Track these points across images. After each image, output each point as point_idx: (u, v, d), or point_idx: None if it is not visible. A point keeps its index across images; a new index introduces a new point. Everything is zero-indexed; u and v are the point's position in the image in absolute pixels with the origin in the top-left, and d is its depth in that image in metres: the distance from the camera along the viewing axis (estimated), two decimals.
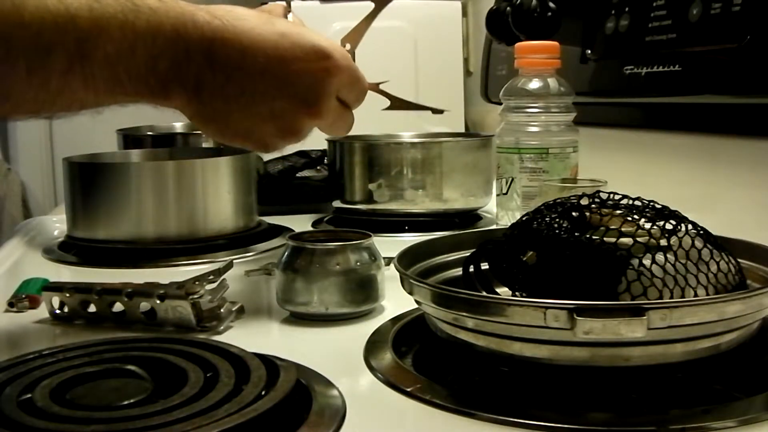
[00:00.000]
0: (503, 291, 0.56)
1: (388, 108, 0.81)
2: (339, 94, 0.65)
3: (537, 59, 0.91)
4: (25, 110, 0.58)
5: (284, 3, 0.69)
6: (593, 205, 0.57)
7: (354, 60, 0.76)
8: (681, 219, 0.55)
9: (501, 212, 0.94)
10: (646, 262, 0.50)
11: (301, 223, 1.09)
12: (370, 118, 0.83)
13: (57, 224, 1.12)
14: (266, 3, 1.40)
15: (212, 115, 0.62)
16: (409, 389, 0.50)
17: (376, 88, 0.77)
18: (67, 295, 0.68)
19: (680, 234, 0.53)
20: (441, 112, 0.91)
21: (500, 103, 0.95)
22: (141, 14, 0.56)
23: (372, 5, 0.77)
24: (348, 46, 0.76)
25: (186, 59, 0.58)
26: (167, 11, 0.57)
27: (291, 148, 1.18)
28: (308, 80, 0.61)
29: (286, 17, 0.68)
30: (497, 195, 0.95)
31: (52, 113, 0.65)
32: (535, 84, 0.91)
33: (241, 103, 0.61)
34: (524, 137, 0.91)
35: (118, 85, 0.57)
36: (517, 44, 0.94)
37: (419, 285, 0.54)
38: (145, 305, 0.66)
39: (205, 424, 0.41)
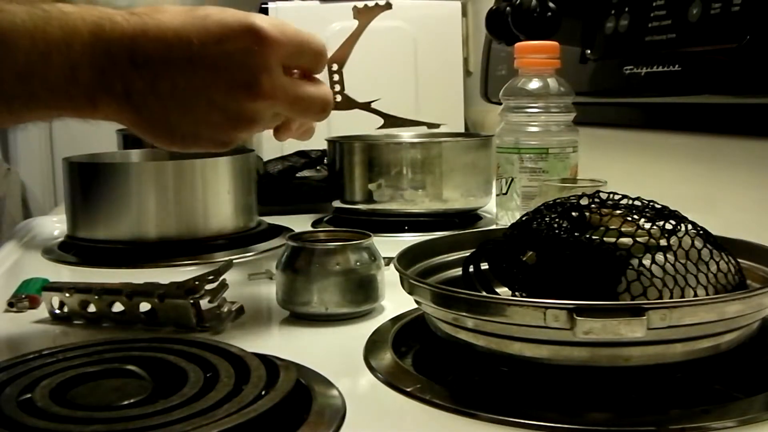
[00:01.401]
0: (503, 291, 0.56)
1: (382, 127, 0.79)
2: (289, 66, 0.58)
3: (537, 59, 0.91)
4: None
5: None
6: (593, 205, 0.57)
7: (342, 79, 0.74)
8: (681, 219, 0.55)
9: (501, 212, 0.94)
10: (646, 262, 0.50)
11: (301, 223, 1.09)
12: (370, 119, 0.83)
13: (57, 224, 1.12)
14: (267, 4, 1.40)
15: (150, 119, 0.56)
16: (409, 389, 0.50)
17: (367, 107, 0.75)
18: (67, 295, 0.68)
19: (680, 234, 0.53)
20: (437, 126, 0.91)
21: (500, 103, 0.95)
22: (52, 20, 0.51)
23: (356, 23, 0.75)
24: (335, 66, 0.73)
25: (109, 63, 0.53)
26: (82, 15, 0.52)
27: (291, 148, 1.19)
28: (239, 59, 0.55)
29: None
30: (497, 195, 0.95)
31: None
32: (534, 84, 0.91)
33: (176, 99, 0.55)
34: (524, 137, 0.91)
35: (34, 99, 0.52)
36: (517, 44, 0.94)
37: (419, 285, 0.54)
38: (145, 305, 0.66)
39: (205, 424, 0.41)
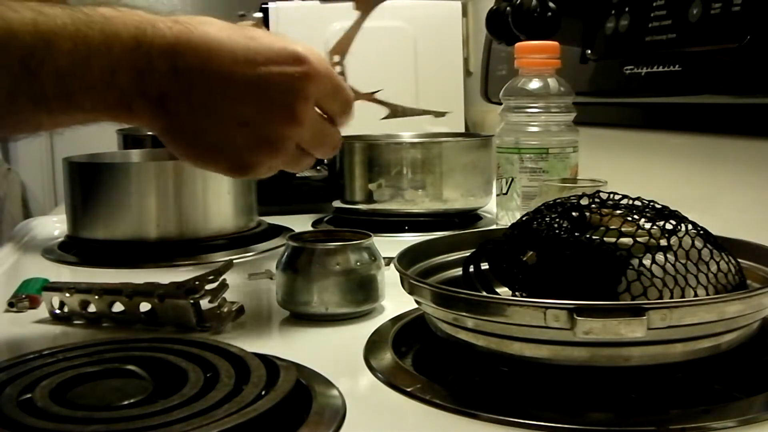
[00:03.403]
0: (503, 291, 0.56)
1: (387, 117, 0.79)
2: (320, 104, 0.59)
3: (537, 59, 0.91)
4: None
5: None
6: (593, 205, 0.57)
7: (344, 72, 0.74)
8: (681, 219, 0.55)
9: (501, 212, 0.94)
10: (646, 262, 0.50)
11: (301, 223, 1.09)
12: (370, 119, 0.83)
13: (57, 224, 1.12)
14: (267, 4, 1.40)
15: (179, 126, 0.56)
16: (409, 389, 0.50)
17: (370, 97, 0.75)
18: (67, 295, 0.68)
19: (680, 234, 0.53)
20: (443, 114, 0.91)
21: (500, 103, 0.95)
22: (94, 24, 0.51)
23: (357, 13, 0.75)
24: (336, 58, 0.73)
25: (149, 68, 0.53)
26: (124, 20, 0.52)
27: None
28: (281, 83, 0.56)
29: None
30: (497, 195, 0.95)
31: (4, 135, 0.63)
32: (535, 84, 0.91)
33: (208, 109, 0.55)
34: (524, 137, 0.91)
35: (73, 103, 0.53)
36: (517, 44, 0.94)
37: (419, 285, 0.54)
38: (145, 305, 0.66)
39: (205, 424, 0.41)
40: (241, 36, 0.56)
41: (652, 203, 0.57)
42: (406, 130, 1.20)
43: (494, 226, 0.99)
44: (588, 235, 0.52)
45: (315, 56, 0.57)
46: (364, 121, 0.92)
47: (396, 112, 0.78)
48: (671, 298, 0.49)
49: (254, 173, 0.60)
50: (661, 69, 0.86)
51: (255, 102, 0.56)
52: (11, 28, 0.49)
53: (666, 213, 0.55)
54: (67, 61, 0.51)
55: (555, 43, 0.92)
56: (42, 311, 0.70)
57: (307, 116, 0.57)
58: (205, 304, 0.65)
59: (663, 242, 0.52)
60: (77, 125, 0.56)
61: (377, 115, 0.81)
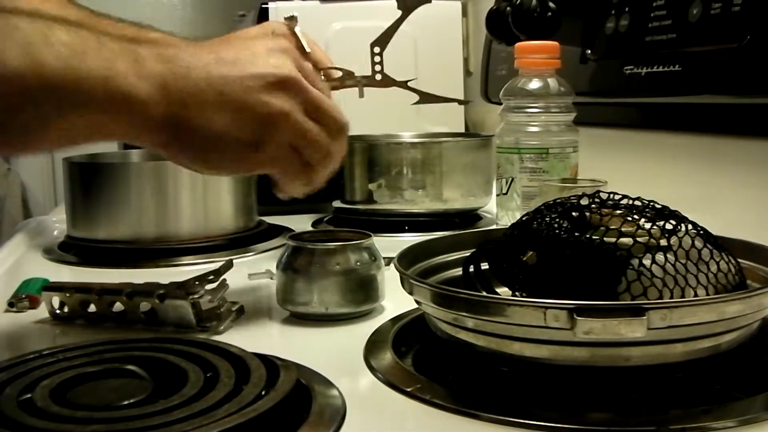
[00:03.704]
0: (503, 291, 0.56)
1: (417, 102, 0.83)
2: (310, 118, 0.61)
3: (537, 59, 0.91)
4: (37, 150, 0.57)
5: (287, 23, 0.69)
6: (593, 205, 0.57)
7: (382, 60, 0.77)
8: (681, 219, 0.55)
9: (501, 212, 0.94)
10: (646, 262, 0.50)
11: (301, 223, 1.09)
12: (371, 118, 0.83)
13: (57, 224, 1.12)
14: (267, 4, 1.40)
15: (188, 149, 0.59)
16: (409, 389, 0.50)
17: (404, 85, 0.79)
18: (67, 295, 0.68)
19: (680, 234, 0.53)
20: (467, 102, 1.02)
21: (500, 103, 0.95)
22: (89, 27, 0.53)
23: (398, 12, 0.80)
24: (377, 49, 0.78)
25: (141, 59, 0.55)
26: (122, 28, 0.56)
27: None
28: (259, 103, 0.58)
29: (293, 34, 0.68)
30: (497, 195, 0.95)
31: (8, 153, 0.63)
32: (535, 84, 0.91)
33: (208, 137, 0.58)
34: (524, 137, 0.91)
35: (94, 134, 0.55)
36: (517, 44, 0.94)
37: (419, 285, 0.54)
38: (145, 305, 0.66)
39: (205, 424, 0.41)
40: (219, 62, 0.57)
41: (652, 203, 0.57)
42: (407, 129, 1.20)
43: (494, 226, 0.99)
44: (588, 235, 0.52)
45: (291, 72, 0.59)
46: (396, 106, 0.94)
47: (424, 98, 0.82)
48: (671, 298, 0.49)
49: (256, 165, 0.61)
50: (661, 69, 0.86)
51: (260, 52, 0.59)
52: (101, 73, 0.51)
53: (666, 213, 0.55)
54: (68, 46, 0.51)
55: (555, 43, 0.92)
56: (42, 311, 0.70)
57: (302, 89, 0.59)
58: (205, 304, 0.65)
59: (663, 242, 0.52)
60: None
61: (409, 101, 0.83)
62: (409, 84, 0.80)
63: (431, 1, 0.80)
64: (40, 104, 0.51)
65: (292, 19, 0.69)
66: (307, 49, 0.68)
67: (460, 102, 0.93)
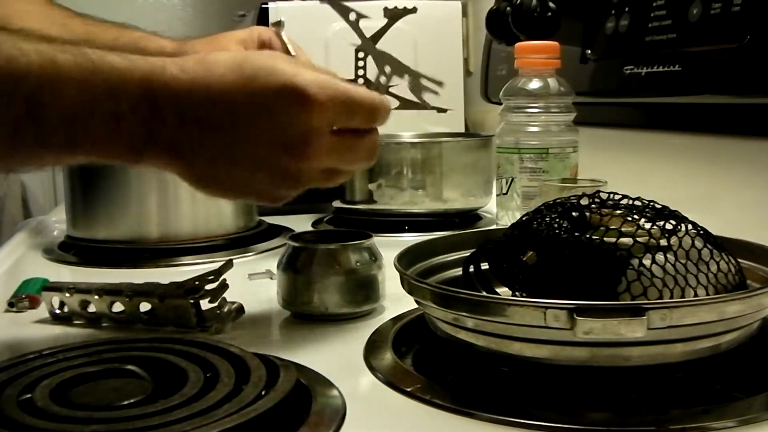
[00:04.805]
0: (503, 291, 0.56)
1: (397, 108, 0.82)
2: (339, 125, 0.58)
3: (537, 59, 0.91)
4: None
5: (274, 29, 0.69)
6: (593, 205, 0.57)
7: (366, 65, 0.76)
8: (681, 219, 0.55)
9: (501, 212, 0.94)
10: (646, 262, 0.50)
11: (301, 223, 1.09)
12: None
13: (57, 224, 1.12)
14: (267, 4, 1.40)
15: (200, 173, 0.58)
16: (409, 389, 0.50)
17: (386, 90, 0.80)
18: (67, 295, 0.68)
19: (680, 234, 0.53)
20: (445, 111, 0.93)
21: (500, 103, 0.95)
22: (99, 73, 0.52)
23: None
24: (362, 54, 0.78)
25: (156, 118, 0.53)
26: (132, 70, 0.53)
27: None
28: (284, 120, 0.55)
29: (280, 39, 0.67)
30: (497, 195, 0.95)
31: (8, 168, 0.64)
32: (535, 84, 0.91)
33: (223, 156, 0.56)
34: (524, 137, 0.91)
35: (75, 147, 0.53)
36: (517, 44, 0.94)
37: (419, 285, 0.54)
38: (145, 305, 0.66)
39: (205, 424, 0.41)
40: (241, 77, 0.55)
41: (652, 203, 0.57)
42: (407, 129, 1.20)
43: (494, 226, 0.99)
44: (588, 235, 0.52)
45: (315, 84, 0.55)
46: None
47: (404, 104, 0.82)
48: (671, 298, 0.49)
49: (285, 200, 0.60)
50: (661, 69, 0.86)
51: (263, 144, 0.56)
52: (18, 70, 0.49)
53: (666, 213, 0.55)
54: (70, 109, 0.51)
55: (555, 43, 0.92)
56: (42, 311, 0.70)
57: (319, 148, 0.56)
58: (205, 304, 0.65)
59: (663, 242, 0.52)
60: (84, 162, 0.57)
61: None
62: (390, 90, 0.80)
63: (416, 11, 0.80)
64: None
65: (278, 25, 0.69)
66: (293, 53, 0.68)
67: (439, 110, 0.92)
